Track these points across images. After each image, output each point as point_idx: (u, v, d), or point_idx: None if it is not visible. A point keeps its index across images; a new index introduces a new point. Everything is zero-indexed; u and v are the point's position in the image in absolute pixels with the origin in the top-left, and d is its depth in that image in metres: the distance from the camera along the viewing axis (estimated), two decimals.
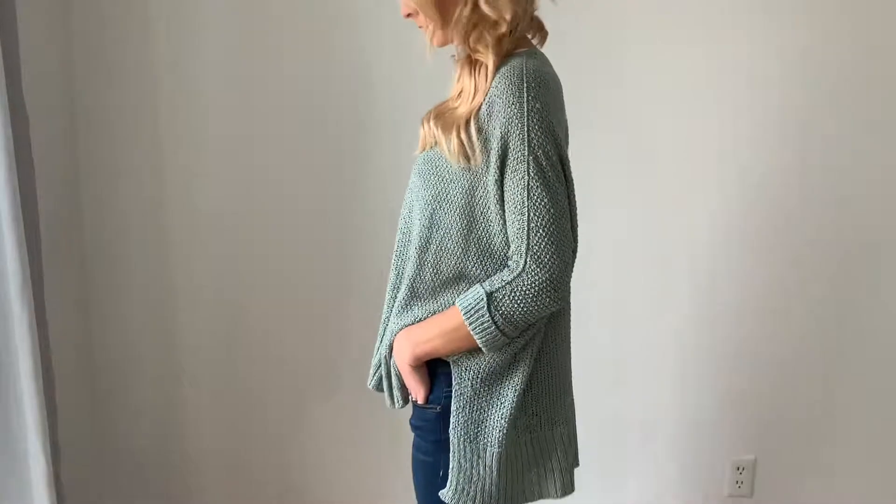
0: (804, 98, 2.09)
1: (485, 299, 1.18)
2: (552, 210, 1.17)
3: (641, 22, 2.06)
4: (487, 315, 1.18)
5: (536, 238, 1.16)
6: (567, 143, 1.33)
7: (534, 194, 1.16)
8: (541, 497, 1.33)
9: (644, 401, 2.25)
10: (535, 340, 1.26)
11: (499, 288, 1.18)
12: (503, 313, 1.18)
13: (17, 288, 1.69)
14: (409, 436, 1.36)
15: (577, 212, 1.28)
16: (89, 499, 2.18)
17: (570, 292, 1.35)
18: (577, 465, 1.41)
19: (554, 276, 1.17)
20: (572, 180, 1.26)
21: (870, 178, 2.13)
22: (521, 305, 1.18)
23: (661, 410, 2.25)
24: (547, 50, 1.30)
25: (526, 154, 1.16)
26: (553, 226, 1.17)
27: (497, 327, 1.19)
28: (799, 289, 2.19)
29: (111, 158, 2.10)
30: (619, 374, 2.22)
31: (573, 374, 1.40)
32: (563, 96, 1.27)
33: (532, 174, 1.16)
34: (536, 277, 1.17)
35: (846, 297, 2.19)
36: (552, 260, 1.17)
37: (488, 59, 1.20)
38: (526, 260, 1.17)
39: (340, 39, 2.06)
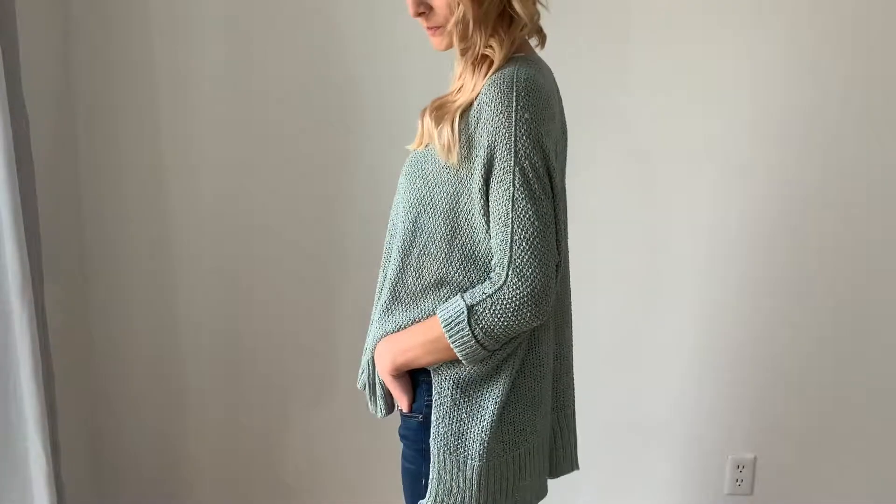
0: (806, 99, 2.09)
1: (465, 312, 1.16)
2: (536, 223, 1.14)
3: (643, 23, 2.06)
4: (467, 328, 1.16)
5: (519, 251, 1.14)
6: (565, 147, 1.32)
7: (518, 206, 1.14)
8: None
9: (644, 399, 2.25)
10: (517, 353, 1.23)
11: (479, 301, 1.16)
12: (483, 327, 1.16)
13: (17, 287, 1.70)
14: None
15: (567, 224, 1.27)
16: (89, 498, 2.19)
17: (566, 306, 1.35)
18: (577, 468, 1.41)
19: (536, 290, 1.14)
20: (563, 193, 1.24)
21: (871, 179, 2.13)
22: (502, 320, 1.15)
23: (662, 409, 2.25)
24: (548, 51, 1.30)
25: (512, 165, 1.13)
26: (537, 239, 1.14)
27: (477, 341, 1.17)
28: (799, 288, 2.19)
29: (111, 158, 2.10)
30: (620, 372, 2.22)
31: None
32: (557, 102, 1.25)
33: (517, 185, 1.14)
34: (518, 291, 1.14)
35: (846, 297, 2.19)
36: (534, 274, 1.14)
37: (497, 56, 1.17)
38: (508, 273, 1.14)
39: (340, 39, 2.06)
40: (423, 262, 1.24)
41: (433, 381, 1.24)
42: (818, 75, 2.08)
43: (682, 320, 2.20)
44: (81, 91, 2.06)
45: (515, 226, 1.14)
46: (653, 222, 2.15)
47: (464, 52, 1.23)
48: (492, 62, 1.18)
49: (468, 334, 1.17)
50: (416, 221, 1.25)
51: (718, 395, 2.24)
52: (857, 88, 2.09)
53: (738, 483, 2.28)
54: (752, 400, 2.24)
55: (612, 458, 2.24)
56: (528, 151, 1.14)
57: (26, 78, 1.77)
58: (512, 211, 1.14)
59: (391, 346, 1.26)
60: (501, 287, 1.15)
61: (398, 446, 1.34)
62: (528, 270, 1.14)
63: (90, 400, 2.20)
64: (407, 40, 1.79)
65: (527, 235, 1.14)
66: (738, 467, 2.27)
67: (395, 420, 1.36)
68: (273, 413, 2.26)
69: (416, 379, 1.28)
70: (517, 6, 1.18)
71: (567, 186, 1.30)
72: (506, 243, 1.15)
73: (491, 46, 1.19)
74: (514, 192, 1.14)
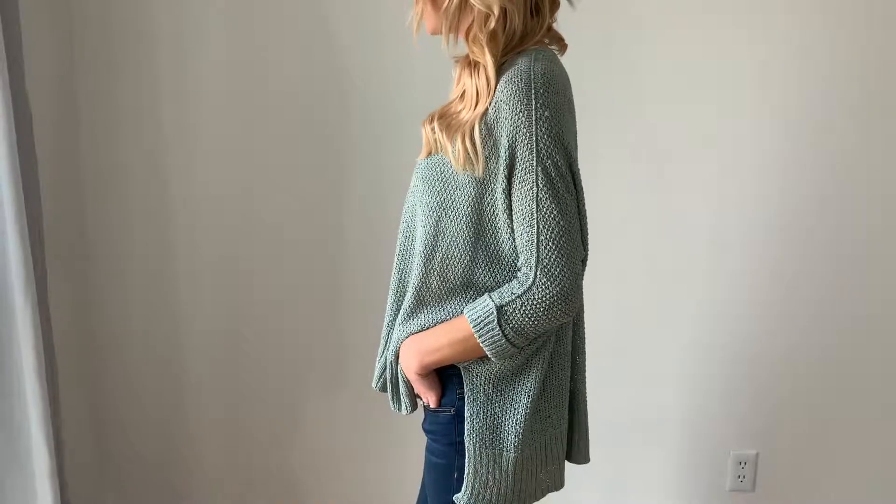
0: (813, 98, 2.08)
1: (495, 313, 1.17)
2: (561, 222, 1.14)
3: (648, 21, 2.05)
4: (497, 328, 1.17)
5: (546, 251, 1.14)
6: (575, 142, 1.32)
7: (543, 206, 1.14)
8: (547, 492, 1.33)
9: (646, 396, 2.25)
10: (546, 348, 1.24)
11: (509, 301, 1.16)
12: (514, 327, 1.17)
13: (20, 283, 1.70)
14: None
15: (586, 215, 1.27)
16: (92, 493, 2.19)
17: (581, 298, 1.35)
18: (588, 460, 1.41)
19: (565, 288, 1.15)
20: (582, 188, 1.24)
21: (874, 179, 2.13)
22: (532, 319, 1.16)
23: (664, 405, 2.25)
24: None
25: (534, 164, 1.13)
26: (563, 238, 1.14)
27: (508, 339, 1.17)
28: (800, 285, 2.19)
29: (113, 155, 2.10)
30: (622, 369, 2.22)
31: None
32: (571, 94, 1.24)
33: (541, 185, 1.13)
34: (547, 291, 1.14)
35: (847, 294, 2.19)
36: (563, 273, 1.14)
37: (485, 59, 1.16)
38: (536, 273, 1.15)
39: (341, 39, 2.06)
40: (447, 265, 1.24)
41: (464, 377, 1.25)
42: (825, 75, 2.07)
43: (684, 317, 2.20)
44: (84, 87, 2.06)
45: (541, 226, 1.14)
46: (655, 220, 2.15)
47: (459, 56, 1.23)
48: (486, 66, 1.16)
49: (498, 334, 1.17)
50: (438, 226, 1.23)
51: (720, 391, 2.24)
52: (864, 89, 2.08)
53: (739, 479, 2.28)
54: (754, 396, 2.24)
55: (614, 455, 2.24)
56: (549, 150, 1.13)
57: (29, 73, 1.77)
58: (536, 211, 1.14)
59: (418, 346, 1.26)
60: (531, 287, 1.15)
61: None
62: (556, 270, 1.14)
63: (93, 396, 2.20)
64: (411, 37, 1.78)
65: (553, 235, 1.14)
66: (740, 463, 2.27)
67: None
68: (276, 409, 2.26)
69: (444, 373, 1.27)
70: None
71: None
72: (532, 243, 1.15)
73: (474, 50, 1.18)
74: (537, 192, 1.14)
